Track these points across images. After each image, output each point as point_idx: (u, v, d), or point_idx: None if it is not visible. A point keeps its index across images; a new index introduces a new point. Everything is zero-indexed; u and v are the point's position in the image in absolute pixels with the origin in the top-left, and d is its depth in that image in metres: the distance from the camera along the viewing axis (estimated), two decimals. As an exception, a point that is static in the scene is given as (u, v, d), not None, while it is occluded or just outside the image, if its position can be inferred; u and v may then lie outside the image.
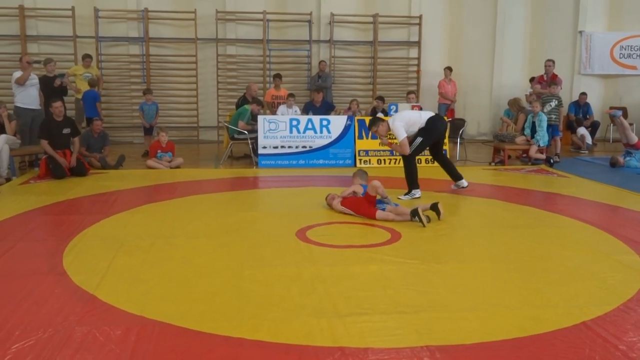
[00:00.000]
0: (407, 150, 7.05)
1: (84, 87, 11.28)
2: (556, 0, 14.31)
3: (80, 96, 11.24)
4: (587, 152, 12.18)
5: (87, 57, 11.67)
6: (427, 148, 7.44)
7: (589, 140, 12.59)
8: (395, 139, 7.33)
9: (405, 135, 7.01)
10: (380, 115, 11.12)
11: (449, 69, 13.20)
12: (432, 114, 7.39)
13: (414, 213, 5.78)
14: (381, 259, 4.72)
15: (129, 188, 7.77)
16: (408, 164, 7.17)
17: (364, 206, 6.06)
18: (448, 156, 10.11)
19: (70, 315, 3.52)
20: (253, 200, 7.67)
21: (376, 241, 5.26)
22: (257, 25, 13.46)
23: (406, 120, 7.11)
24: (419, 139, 7.10)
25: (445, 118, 10.64)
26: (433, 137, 7.20)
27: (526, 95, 12.61)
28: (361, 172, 6.84)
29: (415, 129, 7.11)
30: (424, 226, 5.69)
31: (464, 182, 7.53)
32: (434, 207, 5.94)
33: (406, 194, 7.10)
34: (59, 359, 2.97)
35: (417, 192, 7.10)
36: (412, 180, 7.15)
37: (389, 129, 7.14)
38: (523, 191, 7.87)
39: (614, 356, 3.07)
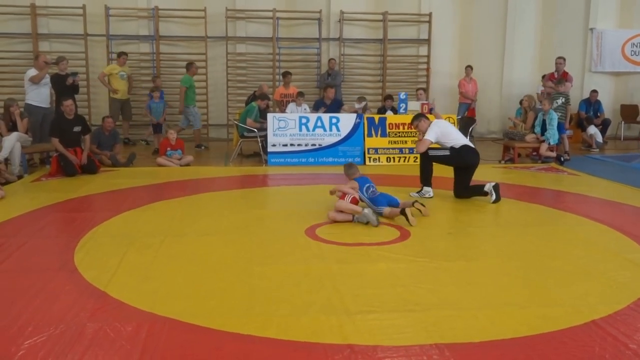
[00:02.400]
0: (422, 149, 7.00)
1: (120, 85, 11.45)
2: (567, -3, 14.26)
3: (117, 96, 11.43)
4: (597, 150, 12.11)
5: (122, 54, 11.77)
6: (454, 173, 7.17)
7: (599, 138, 12.51)
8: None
9: (433, 139, 6.95)
10: (389, 113, 11.15)
11: (470, 68, 13.11)
12: (468, 141, 7.21)
13: (403, 212, 5.80)
14: (390, 256, 4.72)
15: (139, 185, 7.81)
16: (423, 163, 7.16)
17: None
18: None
19: (81, 311, 3.55)
20: (262, 198, 7.70)
21: (385, 239, 5.27)
22: (266, 23, 13.49)
23: (443, 129, 7.08)
24: (446, 152, 7.01)
25: (454, 118, 10.68)
26: (458, 162, 7.03)
27: (537, 94, 12.52)
28: (352, 168, 6.54)
29: (447, 142, 6.99)
30: (411, 225, 5.65)
31: (492, 196, 6.85)
32: (403, 212, 5.82)
33: (418, 192, 7.10)
34: (70, 355, 3.00)
35: (428, 191, 7.07)
36: (424, 178, 7.14)
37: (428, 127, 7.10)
38: (533, 189, 7.84)
39: (624, 355, 3.06)
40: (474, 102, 13.20)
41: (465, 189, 7.08)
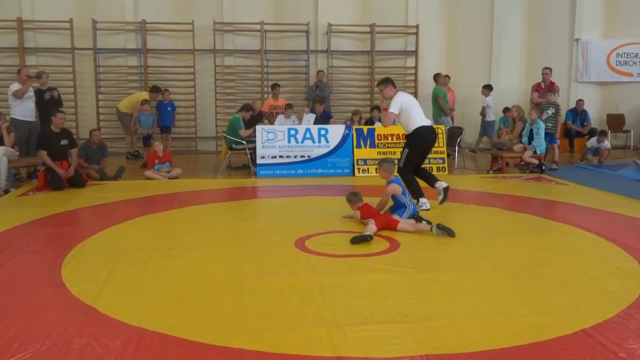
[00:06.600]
0: (388, 123, 7.02)
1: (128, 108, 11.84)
2: (552, 8, 14.40)
3: (127, 110, 11.80)
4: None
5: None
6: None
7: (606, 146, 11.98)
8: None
9: (396, 112, 6.89)
10: (378, 124, 11.18)
11: (447, 77, 13.22)
12: (427, 123, 7.06)
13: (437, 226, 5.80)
14: (380, 268, 4.71)
15: (127, 199, 7.75)
16: (404, 179, 6.89)
17: (384, 219, 5.99)
18: (446, 164, 10.20)
19: (68, 327, 3.51)
20: (252, 210, 7.67)
21: (375, 250, 5.26)
22: (254, 35, 13.52)
23: (407, 102, 6.97)
24: (406, 150, 6.97)
25: (442, 129, 10.72)
26: (420, 148, 6.98)
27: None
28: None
29: (408, 120, 6.93)
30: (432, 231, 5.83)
31: (425, 204, 6.96)
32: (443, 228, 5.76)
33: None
34: (57, 372, 2.96)
35: (425, 203, 6.93)
36: (414, 192, 6.95)
37: (393, 97, 7.01)
38: (522, 199, 7.87)
39: (614, 363, 3.07)
40: (452, 112, 13.26)
41: (417, 170, 7.11)
